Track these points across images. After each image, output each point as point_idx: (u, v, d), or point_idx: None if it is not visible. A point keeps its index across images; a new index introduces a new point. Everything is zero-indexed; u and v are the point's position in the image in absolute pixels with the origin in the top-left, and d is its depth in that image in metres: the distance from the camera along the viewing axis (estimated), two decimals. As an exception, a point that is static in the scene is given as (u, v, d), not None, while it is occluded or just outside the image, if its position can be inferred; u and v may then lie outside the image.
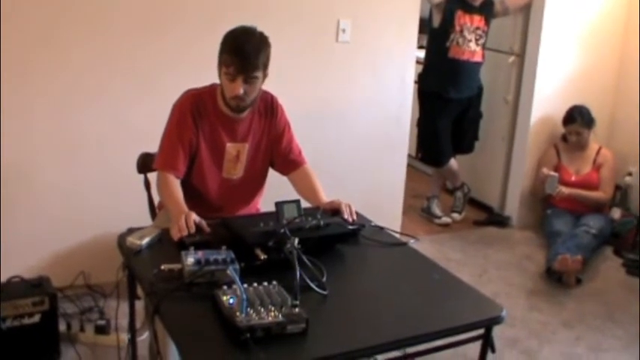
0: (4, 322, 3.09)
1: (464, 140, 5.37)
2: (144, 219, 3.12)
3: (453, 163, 5.36)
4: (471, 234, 5.29)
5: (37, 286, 3.22)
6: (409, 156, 5.03)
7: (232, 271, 2.08)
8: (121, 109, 3.84)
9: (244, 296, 1.95)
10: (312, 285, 2.19)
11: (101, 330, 3.48)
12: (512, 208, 5.47)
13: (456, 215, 5.50)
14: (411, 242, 2.73)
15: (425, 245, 4.63)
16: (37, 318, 3.16)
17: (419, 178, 6.03)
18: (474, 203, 5.74)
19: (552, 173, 4.95)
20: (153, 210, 3.24)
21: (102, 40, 3.73)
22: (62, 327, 3.43)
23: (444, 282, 2.43)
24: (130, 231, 2.54)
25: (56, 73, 3.68)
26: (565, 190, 4.90)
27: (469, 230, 5.37)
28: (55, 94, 3.70)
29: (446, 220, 5.42)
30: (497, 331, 2.26)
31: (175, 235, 2.47)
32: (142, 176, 3.17)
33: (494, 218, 5.52)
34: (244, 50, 2.67)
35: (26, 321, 3.14)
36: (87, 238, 3.93)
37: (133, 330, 2.79)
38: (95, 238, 3.91)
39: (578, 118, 4.98)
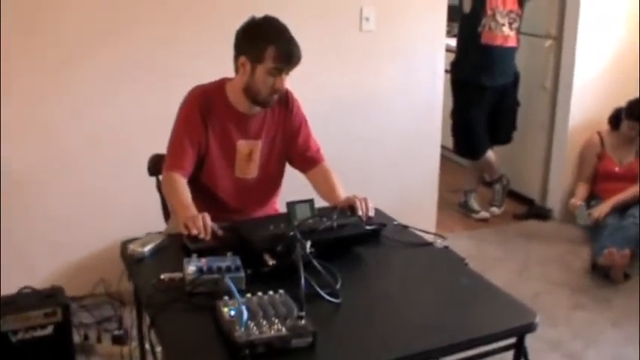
0: (15, 334, 2.94)
1: (501, 130, 5.15)
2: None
3: (490, 154, 5.15)
4: (511, 228, 5.07)
5: (49, 296, 3.08)
6: (445, 148, 4.84)
7: (229, 280, 1.90)
8: (133, 110, 3.73)
9: (243, 308, 1.77)
10: (323, 293, 2.00)
11: (118, 340, 3.35)
12: (555, 200, 5.23)
13: (494, 209, 5.29)
14: (438, 242, 2.52)
15: (462, 242, 4.48)
16: (49, 330, 3.01)
17: (456, 171, 5.78)
18: (514, 196, 5.52)
19: (579, 203, 4.75)
20: (167, 214, 3.10)
21: (114, 42, 3.63)
22: (79, 338, 3.31)
23: (472, 286, 2.22)
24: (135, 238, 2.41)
25: (64, 80, 3.59)
26: (597, 213, 4.63)
27: (509, 224, 5.15)
28: (64, 100, 3.61)
29: (484, 214, 5.21)
30: (538, 333, 2.04)
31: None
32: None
33: (535, 211, 5.29)
34: (291, 43, 2.60)
35: (38, 333, 2.99)
36: (106, 244, 3.80)
37: (141, 340, 2.66)
38: (115, 243, 3.78)
39: None
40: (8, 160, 3.53)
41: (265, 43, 2.58)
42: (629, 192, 4.70)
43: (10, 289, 3.12)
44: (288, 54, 2.57)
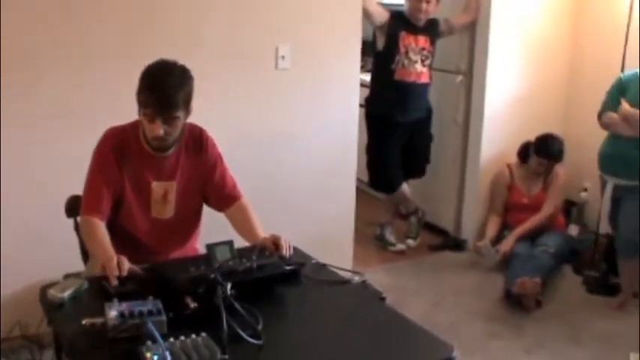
0: None
1: (415, 164, 5.26)
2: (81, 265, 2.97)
3: (405, 188, 5.22)
4: (427, 260, 5.15)
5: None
6: (361, 182, 4.86)
7: (151, 325, 1.90)
8: (49, 150, 3.66)
9: (166, 353, 1.78)
10: (244, 335, 2.01)
11: (36, 386, 3.28)
12: (468, 231, 5.35)
13: (410, 241, 5.34)
14: (355, 279, 2.57)
15: (380, 276, 4.51)
16: (-39, 378, 2.96)
17: (372, 204, 5.84)
18: (430, 228, 5.60)
19: (482, 244, 4.93)
20: (86, 256, 3.06)
21: (27, 84, 3.56)
22: (-6, 385, 3.23)
23: (390, 323, 2.28)
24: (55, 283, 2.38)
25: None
26: (504, 247, 4.78)
27: (425, 256, 5.22)
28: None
29: (400, 247, 5.27)
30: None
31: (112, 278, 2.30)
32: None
33: (449, 242, 5.39)
34: (162, 90, 2.55)
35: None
36: (23, 285, 3.71)
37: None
38: (32, 285, 3.69)
39: (553, 154, 4.87)
40: None
41: (140, 87, 2.59)
42: (530, 222, 4.87)
43: None
44: (153, 101, 2.54)
